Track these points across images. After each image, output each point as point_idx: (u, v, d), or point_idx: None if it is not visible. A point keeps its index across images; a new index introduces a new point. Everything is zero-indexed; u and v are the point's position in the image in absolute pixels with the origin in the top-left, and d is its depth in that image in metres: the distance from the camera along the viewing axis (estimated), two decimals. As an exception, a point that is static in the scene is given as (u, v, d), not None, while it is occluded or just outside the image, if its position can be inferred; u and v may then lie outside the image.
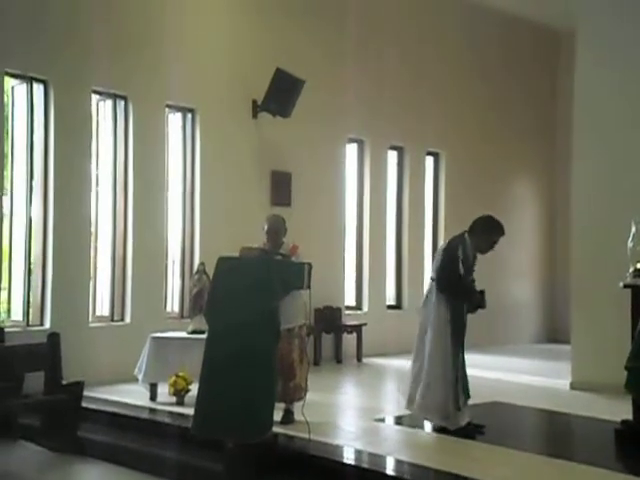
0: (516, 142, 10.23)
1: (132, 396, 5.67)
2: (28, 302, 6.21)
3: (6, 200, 6.12)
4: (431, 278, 4.89)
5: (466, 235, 4.83)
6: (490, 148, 9.86)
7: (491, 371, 7.20)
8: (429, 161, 9.50)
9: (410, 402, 4.78)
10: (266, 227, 4.95)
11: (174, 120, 7.21)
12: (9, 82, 6.20)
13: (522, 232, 10.39)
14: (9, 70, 6.07)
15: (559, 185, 10.44)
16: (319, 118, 8.00)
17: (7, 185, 6.18)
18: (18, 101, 6.28)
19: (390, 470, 4.02)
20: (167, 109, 7.07)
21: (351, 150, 8.66)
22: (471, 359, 7.99)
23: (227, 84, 7.35)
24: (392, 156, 9.08)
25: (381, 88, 8.62)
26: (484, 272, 10.84)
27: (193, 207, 7.22)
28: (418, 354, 4.79)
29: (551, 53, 10.63)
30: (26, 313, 6.20)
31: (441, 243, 4.93)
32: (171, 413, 5.21)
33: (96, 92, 6.60)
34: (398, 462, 4.08)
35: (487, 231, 4.79)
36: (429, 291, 4.85)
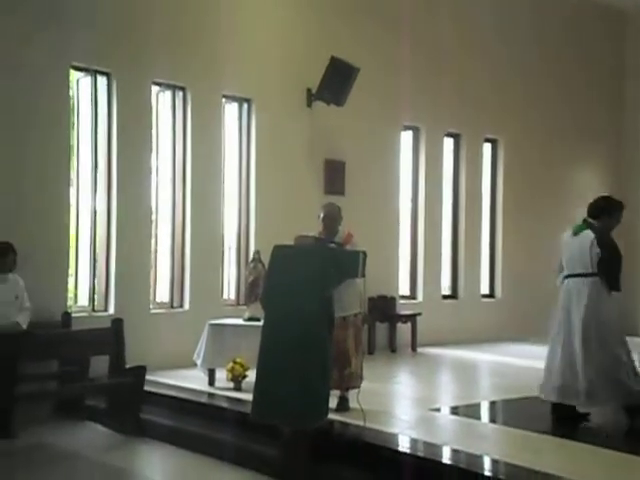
0: (579, 128, 9.89)
1: (191, 381, 5.83)
2: (93, 288, 6.46)
3: (72, 191, 6.38)
4: (582, 274, 4.77)
5: (593, 221, 4.86)
6: (551, 134, 9.58)
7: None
8: (487, 148, 9.31)
9: (566, 394, 4.72)
10: (322, 215, 4.98)
11: (230, 110, 7.32)
12: (74, 75, 6.44)
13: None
14: (74, 63, 6.29)
15: (625, 173, 10.04)
16: (373, 106, 7.96)
17: (73, 176, 6.43)
18: (83, 93, 6.51)
19: (446, 459, 4.01)
20: (224, 99, 7.18)
21: (406, 137, 8.59)
22: (530, 350, 7.93)
23: (282, 73, 7.40)
24: (448, 143, 8.95)
25: (437, 74, 8.49)
26: (546, 265, 10.47)
27: (249, 196, 7.33)
28: (565, 348, 4.74)
29: (618, 34, 10.21)
30: (91, 299, 6.45)
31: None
32: (229, 398, 5.33)
33: (156, 83, 6.77)
34: (454, 451, 4.06)
35: (616, 210, 4.94)
36: (576, 288, 4.76)
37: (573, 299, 4.78)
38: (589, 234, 4.81)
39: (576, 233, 4.90)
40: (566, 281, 4.87)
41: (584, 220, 4.91)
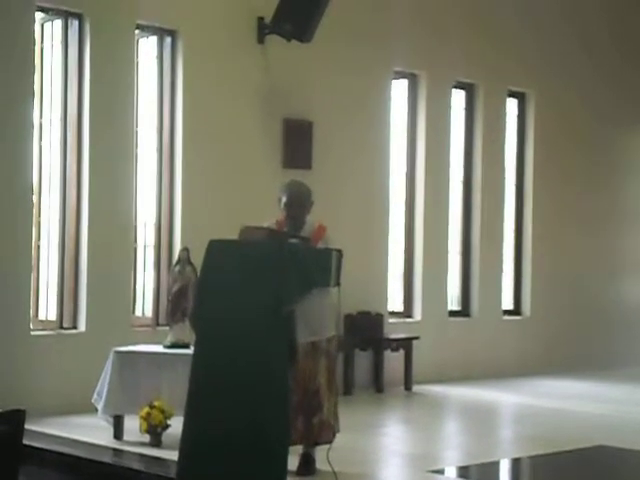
0: (637, 76, 10.17)
1: (90, 432, 5.84)
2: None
3: None
4: None
5: None
6: (599, 86, 9.79)
7: (594, 403, 7.21)
8: (511, 104, 9.49)
9: None
10: (284, 198, 4.99)
11: (147, 46, 7.32)
12: None
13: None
14: None
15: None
16: (353, 43, 8.03)
17: None
18: None
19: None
20: (137, 31, 7.17)
21: (399, 88, 8.70)
22: (570, 388, 8.09)
23: (223, -5, 7.44)
24: (458, 97, 9.10)
25: (444, 2, 8.61)
26: (596, 268, 10.53)
27: (173, 169, 7.33)
28: None
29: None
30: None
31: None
32: (143, 456, 5.37)
33: (41, 9, 6.73)
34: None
35: None
36: None
37: None
38: None
39: None
40: None
41: None
